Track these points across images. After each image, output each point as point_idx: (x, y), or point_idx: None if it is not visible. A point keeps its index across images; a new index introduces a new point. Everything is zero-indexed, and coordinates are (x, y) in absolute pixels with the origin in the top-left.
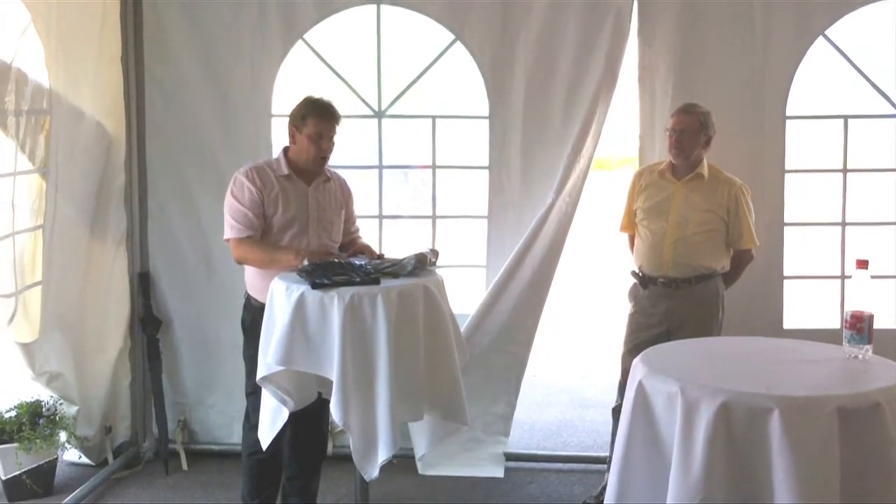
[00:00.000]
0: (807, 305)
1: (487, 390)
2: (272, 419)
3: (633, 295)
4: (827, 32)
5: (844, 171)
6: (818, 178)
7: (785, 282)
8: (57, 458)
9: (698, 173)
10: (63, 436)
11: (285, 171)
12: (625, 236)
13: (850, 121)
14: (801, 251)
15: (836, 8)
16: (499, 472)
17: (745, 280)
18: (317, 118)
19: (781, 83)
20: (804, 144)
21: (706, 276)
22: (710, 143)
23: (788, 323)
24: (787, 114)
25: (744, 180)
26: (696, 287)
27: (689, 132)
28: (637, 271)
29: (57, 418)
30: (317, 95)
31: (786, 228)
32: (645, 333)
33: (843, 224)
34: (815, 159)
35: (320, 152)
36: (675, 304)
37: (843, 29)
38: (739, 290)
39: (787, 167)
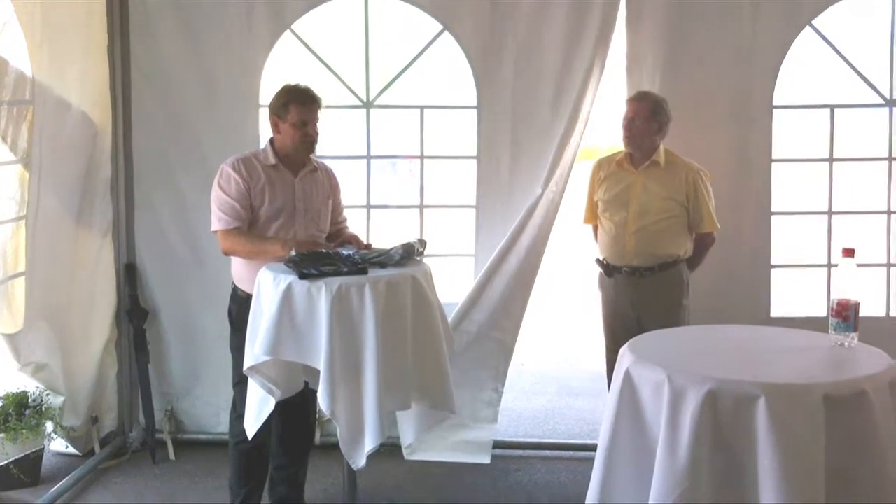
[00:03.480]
0: (794, 294)
1: (475, 377)
2: (258, 409)
3: (601, 284)
4: (814, 22)
5: (831, 160)
6: (805, 167)
7: (772, 270)
8: (43, 449)
9: (654, 161)
10: (49, 426)
11: (272, 160)
12: (589, 227)
13: (836, 110)
14: (788, 240)
15: None
16: (485, 459)
17: (732, 268)
18: (298, 105)
19: (769, 72)
20: (791, 134)
21: (670, 264)
22: (665, 129)
23: (776, 311)
24: (775, 103)
25: (731, 169)
26: (660, 275)
27: (640, 119)
28: (602, 260)
29: (43, 409)
30: (293, 82)
31: (773, 217)
32: (618, 321)
33: (830, 213)
34: (802, 148)
35: (308, 137)
36: (641, 293)
37: (830, 19)
38: (727, 278)
39: (774, 156)
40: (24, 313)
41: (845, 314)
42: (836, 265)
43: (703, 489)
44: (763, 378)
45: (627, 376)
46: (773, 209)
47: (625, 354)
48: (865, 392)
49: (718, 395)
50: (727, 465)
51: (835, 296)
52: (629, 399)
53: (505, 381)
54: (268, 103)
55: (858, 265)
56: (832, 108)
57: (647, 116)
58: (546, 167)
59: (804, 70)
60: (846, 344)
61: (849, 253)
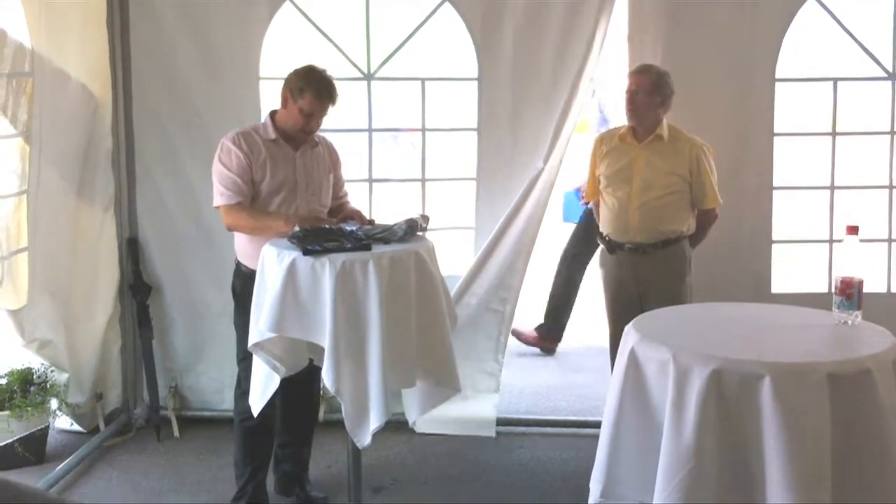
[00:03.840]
0: (795, 269)
1: (475, 349)
2: (263, 386)
3: (603, 260)
4: None
5: (833, 134)
6: (807, 141)
7: (773, 246)
8: (48, 426)
9: (658, 135)
10: (54, 403)
11: (272, 135)
12: (591, 204)
13: (839, 83)
14: (790, 215)
15: None
16: (490, 432)
17: (733, 244)
18: (314, 96)
19: (771, 45)
20: (793, 107)
21: (673, 240)
22: (668, 103)
23: (776, 287)
24: (777, 76)
25: (733, 143)
26: (664, 251)
27: (643, 92)
28: (604, 236)
29: (48, 386)
30: (320, 68)
31: (774, 192)
32: (620, 298)
33: (832, 188)
34: (805, 122)
35: (307, 127)
36: (644, 269)
37: None
38: (728, 254)
39: (775, 130)
40: (27, 289)
41: (849, 292)
42: (838, 241)
43: (710, 468)
44: (767, 357)
45: (632, 355)
46: (775, 184)
47: (630, 333)
48: (870, 370)
49: (723, 374)
50: (733, 443)
51: (838, 273)
52: (634, 378)
53: (505, 351)
54: (268, 75)
55: (861, 241)
56: (835, 81)
57: (649, 90)
58: (548, 140)
59: (807, 43)
60: (850, 322)
61: (853, 230)
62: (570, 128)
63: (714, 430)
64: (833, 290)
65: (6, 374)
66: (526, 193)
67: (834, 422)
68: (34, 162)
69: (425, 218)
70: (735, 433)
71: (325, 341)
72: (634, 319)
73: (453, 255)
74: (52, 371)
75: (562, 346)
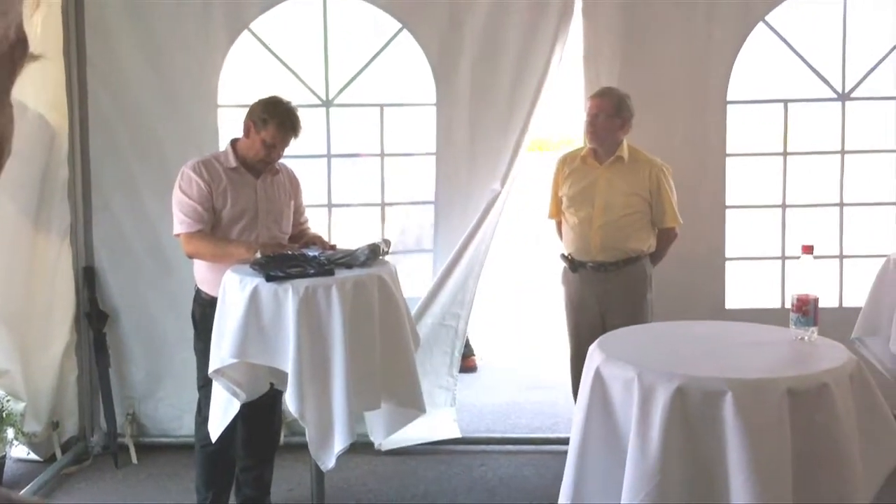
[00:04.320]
0: (748, 286)
1: (432, 364)
2: (223, 411)
3: (565, 280)
4: (767, 18)
5: (784, 154)
6: (759, 161)
7: (727, 263)
8: (5, 455)
9: (619, 156)
10: (10, 433)
11: (233, 163)
12: (553, 222)
13: (789, 105)
14: (743, 233)
15: None
16: (455, 433)
17: (687, 261)
18: (276, 129)
19: (723, 67)
20: (745, 128)
21: (634, 259)
22: (628, 125)
23: (730, 303)
24: (728, 98)
25: (687, 164)
26: (625, 269)
27: (604, 115)
28: (567, 255)
29: (3, 415)
30: (285, 100)
31: (727, 211)
32: (582, 316)
33: (784, 206)
34: (756, 143)
35: (268, 158)
36: (606, 288)
37: (784, 14)
38: (682, 270)
39: (728, 151)
40: None
41: (805, 309)
42: (791, 258)
43: (675, 483)
44: (729, 373)
45: (598, 374)
46: (728, 203)
47: (594, 352)
48: (827, 385)
49: (687, 390)
50: (697, 458)
51: (795, 291)
52: (600, 397)
53: (458, 365)
54: (226, 103)
55: (815, 257)
56: (786, 102)
57: (610, 112)
58: (505, 163)
59: (758, 65)
60: (807, 338)
61: (808, 249)
62: (523, 149)
63: (678, 446)
64: (790, 306)
65: None
66: (482, 218)
67: (794, 434)
68: None
69: (387, 242)
70: (699, 448)
71: (289, 367)
72: (599, 339)
73: (412, 277)
74: (7, 400)
75: (518, 365)
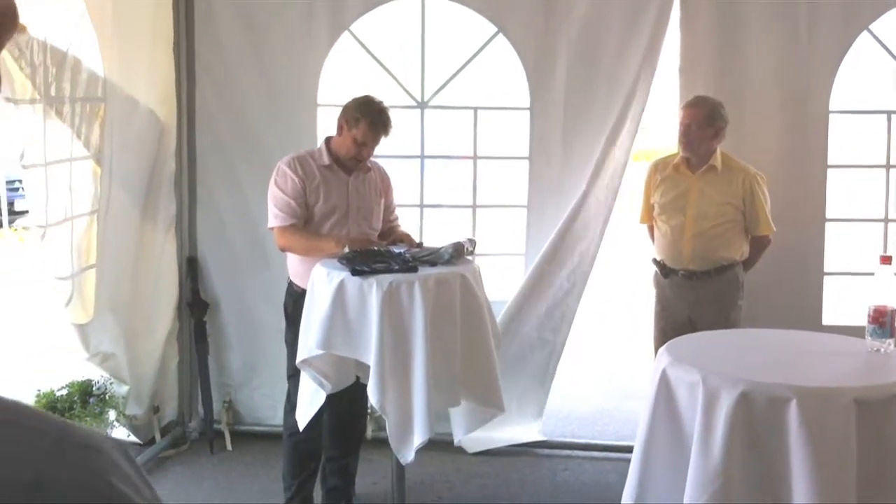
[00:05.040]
0: (848, 302)
1: (523, 376)
2: (310, 401)
3: (656, 282)
4: (871, 27)
5: (888, 166)
6: (861, 173)
7: (825, 278)
8: None
9: (711, 165)
10: (112, 414)
11: (326, 161)
12: (644, 227)
13: (893, 116)
14: (843, 247)
15: (881, 3)
16: (538, 435)
17: (784, 275)
18: (368, 127)
19: (825, 77)
20: (847, 139)
21: (726, 267)
22: (721, 134)
23: (828, 319)
24: (831, 108)
25: (785, 175)
26: (717, 277)
27: (696, 125)
28: (659, 261)
29: (107, 397)
30: (377, 99)
31: (827, 224)
32: (670, 320)
33: (886, 220)
34: (859, 155)
35: (359, 156)
36: (697, 294)
37: (889, 23)
38: (779, 284)
39: (829, 162)
40: (93, 304)
41: (882, 320)
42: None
43: (736, 488)
44: (795, 381)
45: (664, 377)
46: (828, 216)
47: (662, 355)
48: None
49: (751, 396)
50: (760, 464)
51: (872, 302)
52: (665, 399)
53: (553, 379)
54: (325, 102)
55: None
56: (889, 114)
57: (702, 123)
58: (591, 167)
59: (861, 75)
60: (882, 350)
61: (886, 260)
62: (622, 157)
63: (741, 451)
64: (866, 318)
65: (67, 386)
66: (572, 219)
67: (860, 446)
68: (104, 183)
69: (472, 242)
70: (762, 454)
71: (371, 359)
72: (667, 342)
73: (504, 280)
74: (111, 383)
75: (611, 371)
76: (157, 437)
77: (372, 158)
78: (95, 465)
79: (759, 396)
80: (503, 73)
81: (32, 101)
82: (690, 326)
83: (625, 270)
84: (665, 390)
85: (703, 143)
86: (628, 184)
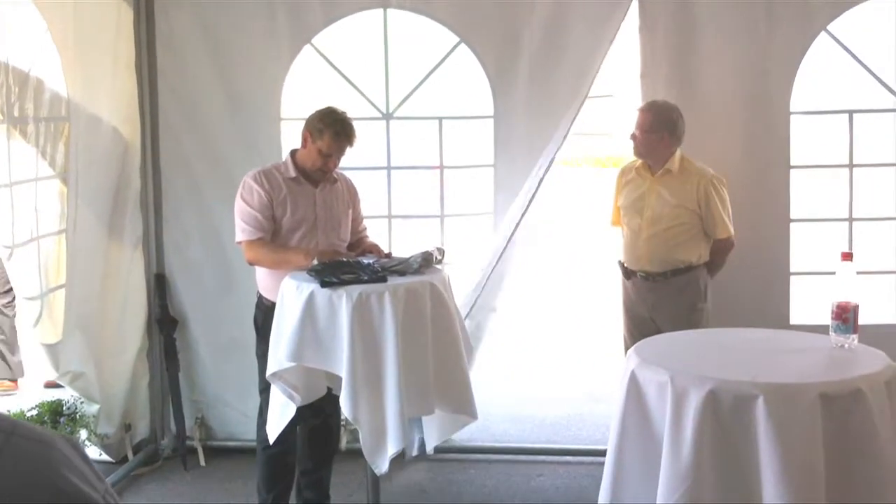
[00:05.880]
0: (814, 301)
1: None
2: (280, 414)
3: (622, 284)
4: (829, 27)
5: (850, 166)
6: (824, 173)
7: (792, 278)
8: None
9: (668, 169)
10: (84, 434)
11: (293, 173)
12: (618, 229)
13: (854, 115)
14: (809, 247)
15: (838, 4)
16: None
17: (751, 276)
18: (332, 138)
19: (785, 78)
20: (810, 140)
21: (683, 270)
22: (671, 139)
23: (795, 319)
24: (792, 109)
25: (749, 177)
26: (674, 280)
27: (646, 129)
28: (621, 262)
29: (77, 416)
30: (340, 110)
31: (792, 224)
32: (635, 320)
33: (850, 220)
34: (821, 155)
35: (325, 167)
36: (656, 296)
37: (846, 23)
38: (746, 286)
39: (792, 163)
40: (62, 324)
41: (845, 316)
42: (861, 273)
43: (707, 486)
44: (761, 378)
45: (633, 378)
46: (793, 216)
47: (631, 356)
48: (861, 391)
49: (718, 394)
50: (729, 462)
51: (834, 299)
52: (635, 400)
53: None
54: (288, 116)
55: (882, 272)
56: (850, 113)
57: (647, 128)
58: (544, 169)
59: (821, 76)
60: (846, 345)
61: (847, 257)
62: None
63: (710, 448)
64: (830, 315)
65: (36, 406)
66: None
67: (827, 440)
68: (71, 202)
69: (440, 251)
70: (731, 451)
71: (343, 371)
72: (636, 344)
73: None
74: (82, 402)
75: (581, 376)
76: (130, 455)
77: (339, 170)
78: (45, 458)
79: (726, 394)
80: (467, 82)
81: None
82: (654, 327)
83: (595, 274)
84: (635, 391)
85: (650, 149)
86: (602, 189)
